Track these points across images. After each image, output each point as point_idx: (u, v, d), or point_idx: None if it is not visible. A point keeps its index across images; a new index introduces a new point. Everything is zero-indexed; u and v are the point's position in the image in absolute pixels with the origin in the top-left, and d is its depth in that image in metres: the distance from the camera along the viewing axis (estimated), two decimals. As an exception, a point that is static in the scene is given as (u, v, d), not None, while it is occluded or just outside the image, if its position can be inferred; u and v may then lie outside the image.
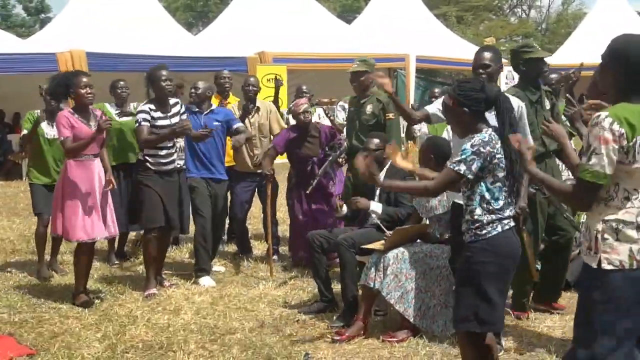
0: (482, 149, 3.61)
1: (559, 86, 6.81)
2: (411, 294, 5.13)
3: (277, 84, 8.61)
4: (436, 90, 8.61)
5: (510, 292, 5.26)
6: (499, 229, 3.65)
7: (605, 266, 2.99)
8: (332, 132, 7.21)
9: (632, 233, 2.99)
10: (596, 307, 3.02)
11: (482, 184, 3.65)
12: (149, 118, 6.22)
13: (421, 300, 5.16)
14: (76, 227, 5.85)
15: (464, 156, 3.62)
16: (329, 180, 7.19)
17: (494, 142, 3.64)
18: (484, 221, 3.66)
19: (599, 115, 2.97)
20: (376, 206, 5.71)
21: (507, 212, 3.68)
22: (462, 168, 3.61)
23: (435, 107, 5.12)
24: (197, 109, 6.88)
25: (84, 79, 5.94)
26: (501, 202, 3.66)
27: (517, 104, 4.85)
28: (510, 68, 5.96)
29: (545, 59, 5.57)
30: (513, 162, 3.64)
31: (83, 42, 12.99)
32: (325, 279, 5.86)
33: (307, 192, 6.73)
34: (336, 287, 5.83)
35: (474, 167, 3.60)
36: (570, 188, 3.14)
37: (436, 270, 5.18)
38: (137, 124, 6.23)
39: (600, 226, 3.03)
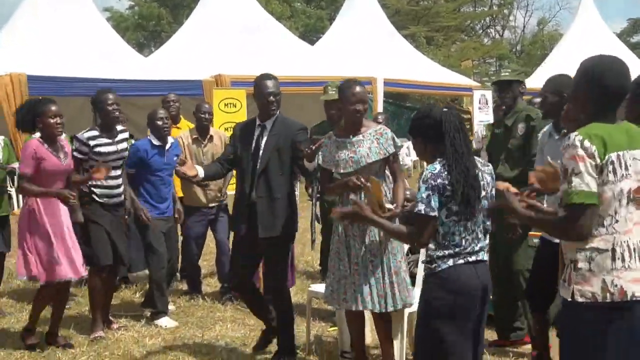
0: (433, 182, 3.63)
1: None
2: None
3: None
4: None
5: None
6: (450, 262, 3.65)
7: (578, 299, 2.99)
8: None
9: (606, 262, 2.98)
10: (565, 346, 3.02)
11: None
12: (86, 150, 6.15)
13: None
14: (44, 267, 5.75)
15: (419, 195, 3.65)
16: None
17: (446, 172, 3.66)
18: (435, 256, 3.69)
19: (569, 137, 3.02)
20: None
21: (468, 248, 3.69)
22: (422, 208, 3.62)
23: None
24: (159, 143, 6.78)
25: (53, 107, 5.88)
26: (457, 237, 3.67)
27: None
28: (483, 91, 6.09)
29: (510, 80, 5.77)
30: (469, 193, 3.64)
31: (24, 64, 12.87)
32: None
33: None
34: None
35: (433, 203, 3.62)
36: (560, 220, 3.07)
37: None
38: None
39: (574, 255, 3.03)
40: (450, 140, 3.68)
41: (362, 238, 4.97)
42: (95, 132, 6.23)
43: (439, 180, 3.63)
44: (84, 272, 6.06)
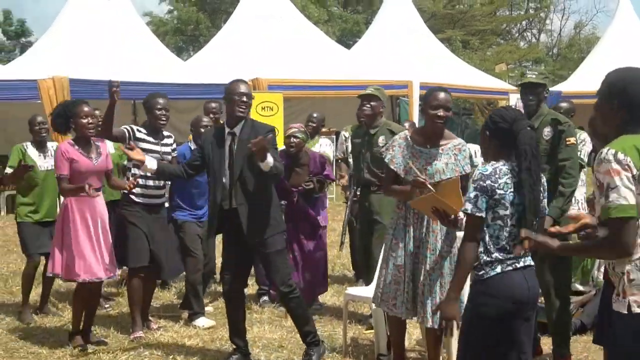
0: (482, 183, 3.60)
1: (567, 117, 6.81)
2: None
3: None
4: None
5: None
6: (499, 269, 3.59)
7: (636, 310, 2.90)
8: (322, 161, 7.20)
9: None
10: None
11: None
12: (129, 134, 6.16)
13: None
14: (78, 266, 5.82)
15: (468, 195, 3.63)
16: (318, 211, 7.24)
17: (497, 175, 3.61)
18: (482, 261, 3.62)
19: (601, 152, 2.94)
20: None
21: (513, 253, 3.61)
22: (469, 207, 3.60)
23: None
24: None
25: (85, 108, 5.96)
26: (503, 242, 3.61)
27: None
28: (519, 95, 5.97)
29: (536, 83, 5.59)
30: (526, 200, 3.57)
31: (66, 68, 13.02)
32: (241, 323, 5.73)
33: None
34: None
35: (479, 203, 3.59)
36: (603, 239, 3.01)
37: None
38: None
39: (626, 267, 2.94)
40: (526, 166, 3.60)
41: (434, 249, 4.94)
42: (143, 129, 6.30)
43: (488, 182, 3.59)
44: (114, 272, 6.10)
